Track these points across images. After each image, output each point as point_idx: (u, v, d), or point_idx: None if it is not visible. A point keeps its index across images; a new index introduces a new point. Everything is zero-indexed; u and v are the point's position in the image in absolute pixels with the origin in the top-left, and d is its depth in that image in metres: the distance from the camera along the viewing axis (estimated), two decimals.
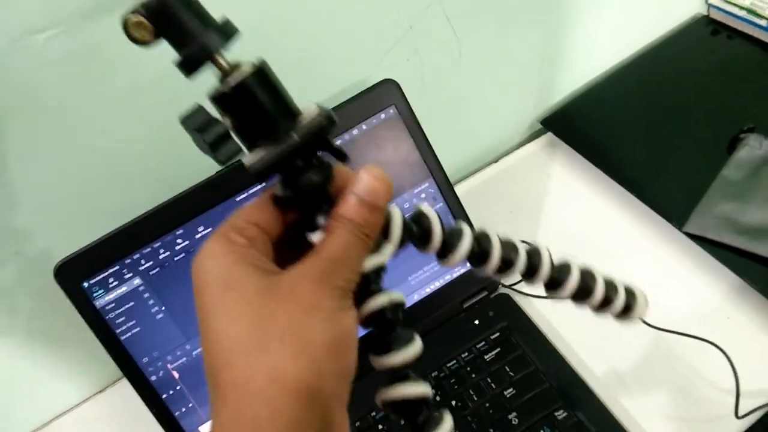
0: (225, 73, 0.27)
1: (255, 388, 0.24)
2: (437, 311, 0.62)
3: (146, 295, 0.55)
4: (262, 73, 0.27)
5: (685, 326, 0.57)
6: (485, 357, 0.59)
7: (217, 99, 0.27)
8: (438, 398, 0.57)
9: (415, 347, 0.29)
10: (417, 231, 0.31)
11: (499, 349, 0.59)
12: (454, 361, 0.59)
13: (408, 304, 0.60)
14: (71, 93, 0.49)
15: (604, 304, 0.34)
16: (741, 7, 0.77)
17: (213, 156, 0.27)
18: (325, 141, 0.28)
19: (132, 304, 0.54)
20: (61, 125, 0.51)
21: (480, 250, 0.32)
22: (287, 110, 0.27)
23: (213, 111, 0.27)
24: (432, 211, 0.31)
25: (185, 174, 0.55)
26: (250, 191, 0.55)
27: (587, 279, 0.34)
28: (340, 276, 0.27)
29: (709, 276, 0.61)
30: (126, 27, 0.25)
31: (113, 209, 0.54)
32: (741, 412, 0.51)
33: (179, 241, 0.54)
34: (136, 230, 0.53)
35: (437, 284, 0.62)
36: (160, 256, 0.54)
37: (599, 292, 0.33)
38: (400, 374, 0.29)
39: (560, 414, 0.54)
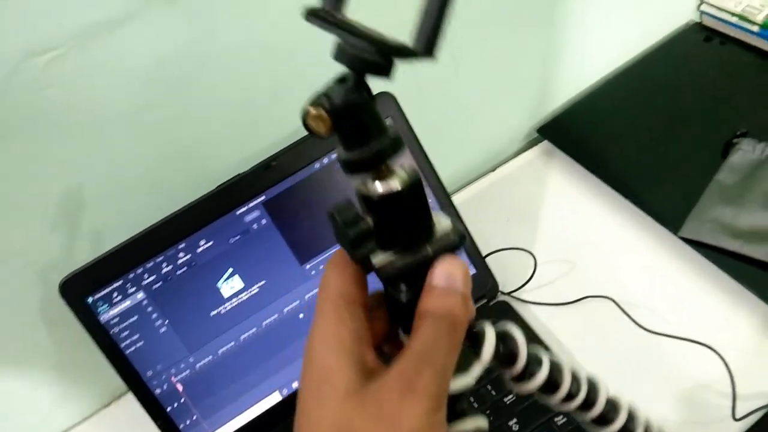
0: (380, 176, 0.26)
1: None
2: None
3: (150, 309, 0.55)
4: (415, 187, 0.26)
5: (682, 330, 0.57)
6: None
7: (365, 199, 0.27)
8: None
9: None
10: (503, 351, 0.30)
11: None
12: None
13: None
14: (72, 111, 0.50)
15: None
16: (733, 14, 0.78)
17: (350, 252, 0.27)
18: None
19: (136, 318, 0.55)
20: (62, 142, 0.52)
21: (551, 381, 0.30)
22: (427, 224, 0.27)
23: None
24: (519, 332, 0.30)
25: (187, 189, 0.56)
26: (250, 204, 0.56)
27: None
28: (427, 378, 0.25)
29: (705, 280, 0.62)
30: (305, 117, 0.24)
31: (115, 224, 0.55)
32: (738, 415, 0.52)
33: (181, 255, 0.55)
34: (139, 245, 0.54)
35: None
36: (163, 270, 0.55)
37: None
38: None
39: (560, 420, 0.54)
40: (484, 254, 0.63)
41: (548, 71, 0.77)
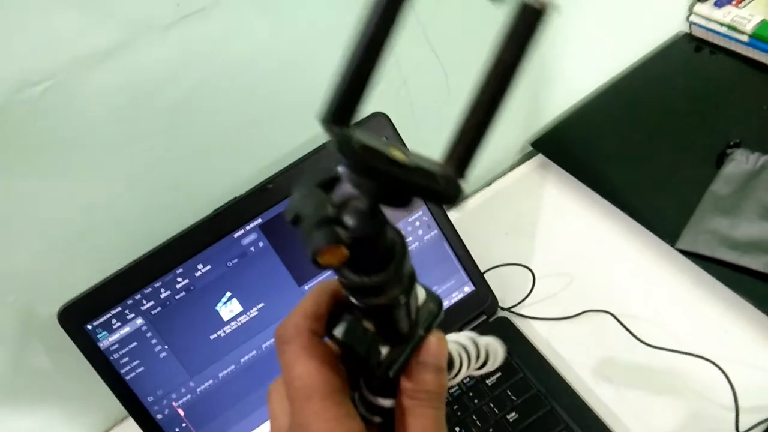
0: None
1: None
2: None
3: (149, 335, 0.55)
4: (407, 298, 0.26)
5: (682, 343, 0.57)
6: (487, 382, 0.59)
7: (363, 310, 0.26)
8: None
9: None
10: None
11: (500, 374, 0.59)
12: (456, 388, 0.60)
13: None
14: (68, 140, 0.50)
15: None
16: (722, 24, 0.78)
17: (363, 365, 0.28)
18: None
19: (135, 343, 0.55)
20: (60, 170, 0.52)
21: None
22: (417, 316, 0.28)
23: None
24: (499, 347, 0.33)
25: (183, 213, 0.56)
26: (247, 227, 0.56)
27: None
28: None
29: (704, 291, 0.62)
30: (318, 252, 0.21)
31: (113, 250, 0.55)
32: (742, 428, 0.52)
33: (180, 279, 0.55)
34: (137, 271, 0.54)
35: None
36: (162, 296, 0.55)
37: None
38: None
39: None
40: (482, 270, 0.63)
41: (541, 85, 0.77)
